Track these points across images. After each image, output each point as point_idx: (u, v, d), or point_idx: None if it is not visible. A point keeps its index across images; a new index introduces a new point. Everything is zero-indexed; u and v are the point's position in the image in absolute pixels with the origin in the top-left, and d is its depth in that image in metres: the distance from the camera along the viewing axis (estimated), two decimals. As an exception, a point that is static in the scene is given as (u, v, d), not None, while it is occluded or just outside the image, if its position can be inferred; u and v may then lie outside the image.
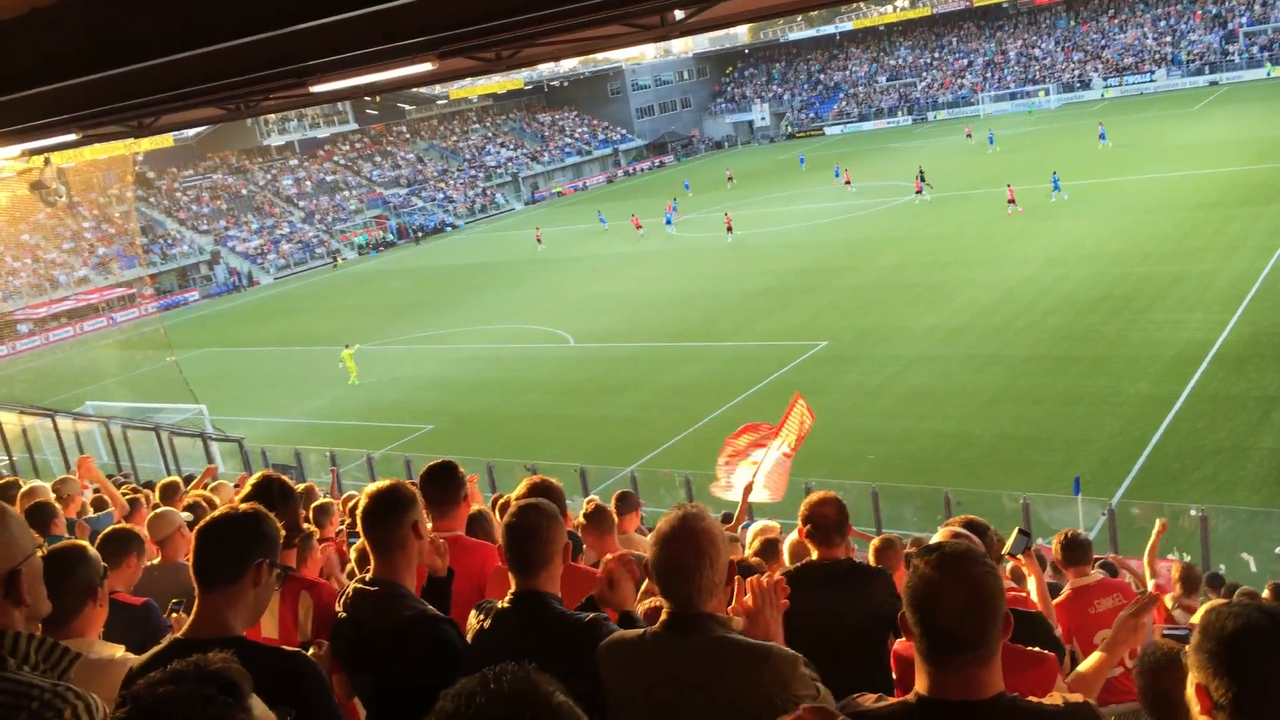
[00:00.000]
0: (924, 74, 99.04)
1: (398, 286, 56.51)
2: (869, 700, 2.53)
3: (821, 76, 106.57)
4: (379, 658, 3.46)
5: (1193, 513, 15.27)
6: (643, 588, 3.91)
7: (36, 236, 69.94)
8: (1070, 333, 27.99)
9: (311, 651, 3.46)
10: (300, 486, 9.57)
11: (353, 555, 5.36)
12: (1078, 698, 2.48)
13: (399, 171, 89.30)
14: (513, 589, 3.41)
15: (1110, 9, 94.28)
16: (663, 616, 2.92)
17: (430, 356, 37.54)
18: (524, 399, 30.64)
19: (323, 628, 4.00)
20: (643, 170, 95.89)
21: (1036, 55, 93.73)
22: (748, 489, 8.16)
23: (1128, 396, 23.04)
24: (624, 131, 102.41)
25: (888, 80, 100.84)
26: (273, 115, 77.11)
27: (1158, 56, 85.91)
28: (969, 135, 69.07)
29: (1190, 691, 2.10)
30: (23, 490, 7.39)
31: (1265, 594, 9.02)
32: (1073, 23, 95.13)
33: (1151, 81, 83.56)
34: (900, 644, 3.74)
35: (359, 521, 3.66)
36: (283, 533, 3.29)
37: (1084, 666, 3.93)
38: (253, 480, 4.31)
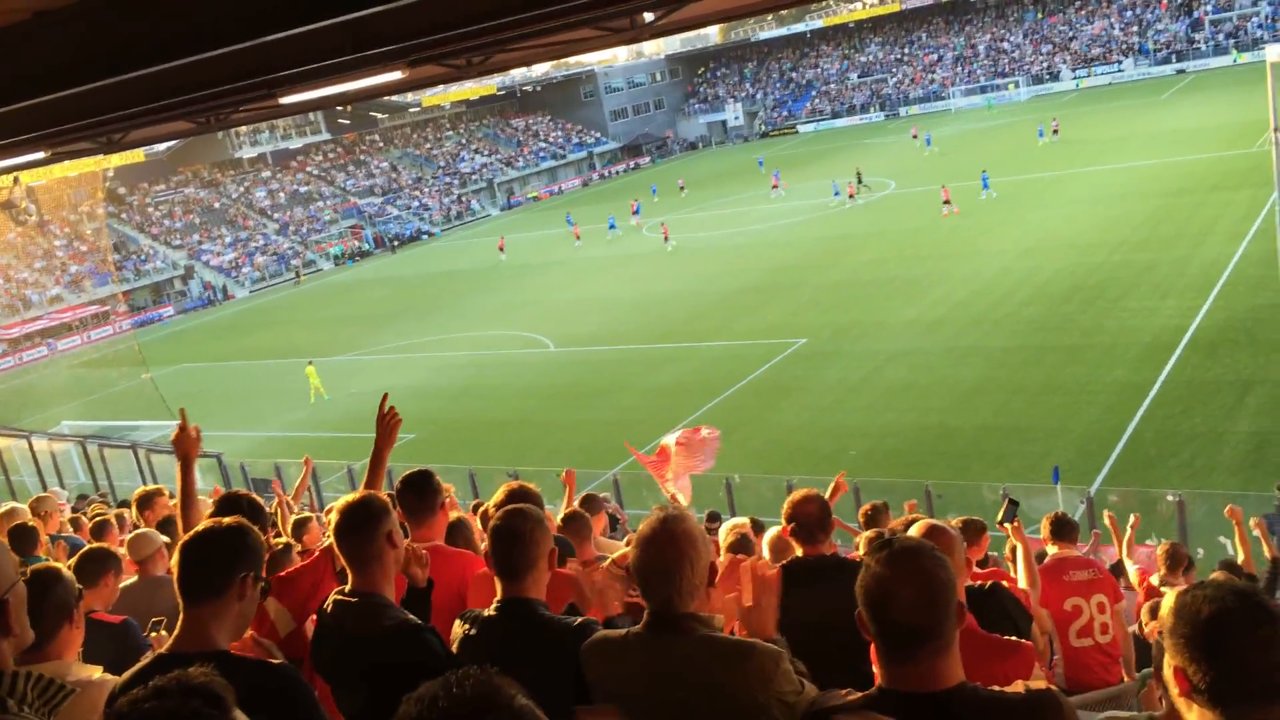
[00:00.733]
0: (895, 70, 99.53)
1: (376, 296, 56.30)
2: (838, 696, 2.56)
3: (793, 75, 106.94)
4: (361, 669, 3.45)
5: (1170, 498, 15.40)
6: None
7: (7, 256, 69.27)
8: (1046, 323, 28.19)
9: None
10: (274, 504, 9.51)
11: None
12: (1040, 684, 2.51)
13: (373, 180, 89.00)
14: (499, 595, 3.41)
15: (1077, 0, 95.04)
16: (645, 617, 2.93)
17: (411, 365, 37.42)
18: (506, 405, 30.60)
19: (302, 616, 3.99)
20: (618, 173, 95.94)
21: (1005, 48, 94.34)
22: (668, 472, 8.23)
23: (1104, 385, 23.22)
24: (598, 134, 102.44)
25: (859, 77, 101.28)
26: (244, 127, 76.68)
27: (1125, 46, 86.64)
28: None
29: (1168, 674, 2.13)
30: (1, 512, 7.32)
31: (1215, 573, 9.13)
32: (1040, 15, 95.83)
33: (1120, 71, 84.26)
34: None
35: (333, 534, 3.64)
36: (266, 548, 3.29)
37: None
38: (219, 499, 4.28)
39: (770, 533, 5.85)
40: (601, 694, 2.93)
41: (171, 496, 6.92)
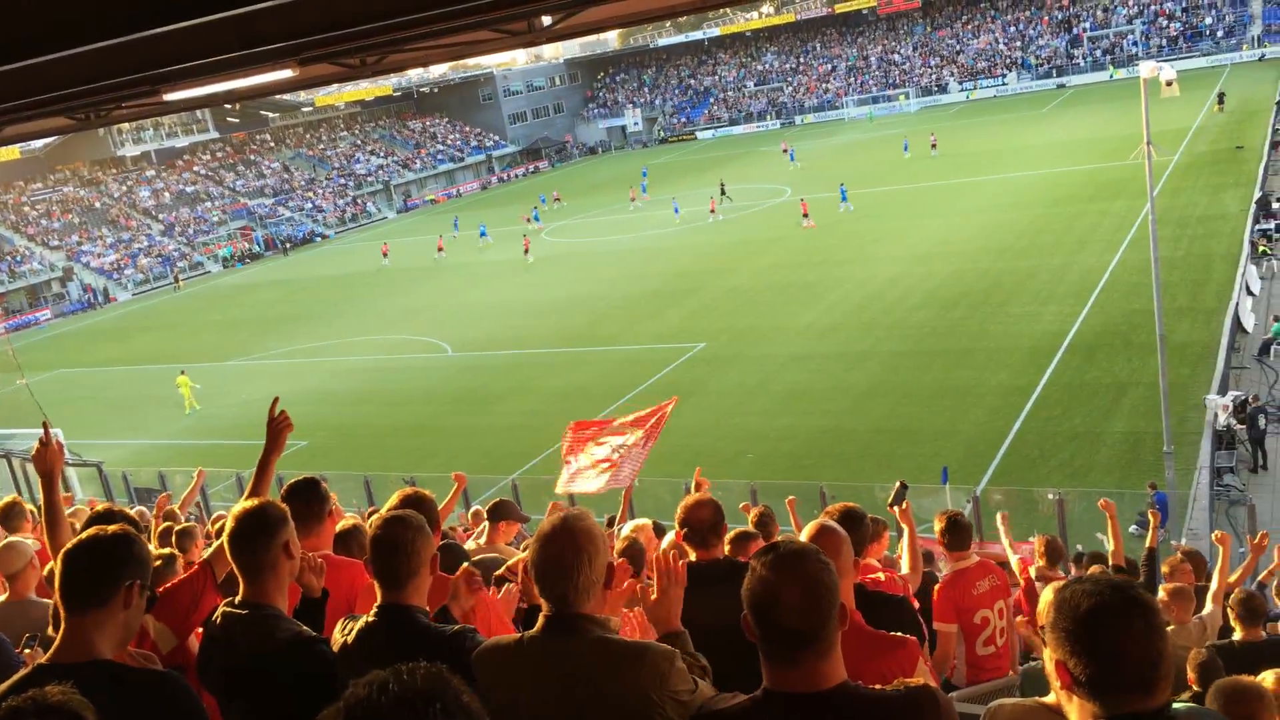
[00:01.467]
0: (790, 79, 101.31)
1: (267, 299, 54.86)
2: (724, 699, 2.60)
3: (692, 81, 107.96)
4: (252, 682, 3.36)
5: (1050, 496, 15.99)
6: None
7: None
8: (936, 328, 29.01)
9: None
10: (167, 511, 9.19)
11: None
12: (918, 681, 2.58)
13: (264, 181, 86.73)
14: (378, 602, 3.37)
15: (963, 15, 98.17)
16: (540, 619, 2.93)
17: (304, 370, 36.55)
18: (403, 410, 30.11)
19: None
20: (517, 176, 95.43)
21: (896, 60, 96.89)
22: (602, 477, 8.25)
23: (990, 387, 24.01)
24: (497, 138, 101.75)
25: (756, 85, 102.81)
26: (127, 124, 73.91)
27: (1009, 61, 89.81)
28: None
29: (1050, 668, 2.19)
30: None
31: (1094, 567, 9.54)
32: (929, 29, 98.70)
33: (1004, 85, 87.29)
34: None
35: (226, 543, 3.54)
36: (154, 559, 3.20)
37: None
38: (92, 516, 4.11)
39: (667, 539, 5.88)
40: (494, 701, 2.92)
41: (35, 518, 6.57)
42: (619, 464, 8.41)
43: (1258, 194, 35.97)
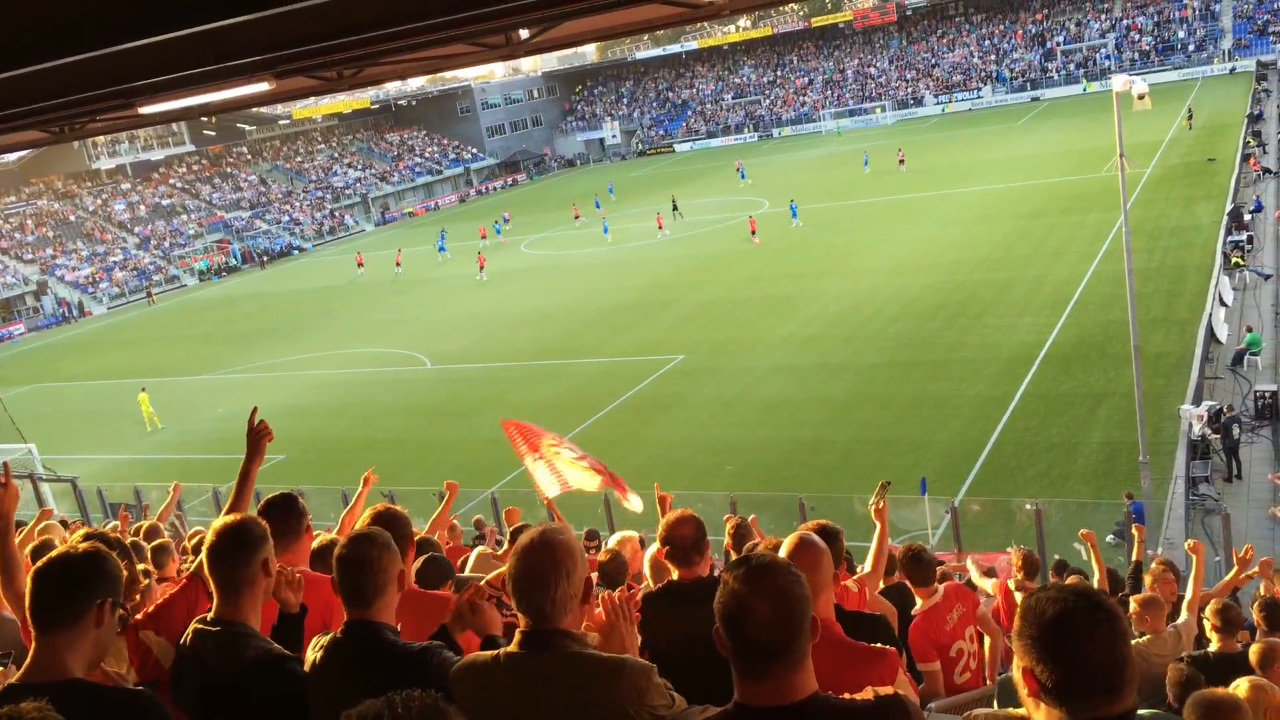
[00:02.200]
0: (768, 92, 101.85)
1: (243, 312, 54.53)
2: (696, 712, 2.60)
3: (670, 94, 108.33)
4: (223, 700, 3.33)
5: (1028, 507, 16.07)
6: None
7: None
8: (913, 339, 29.16)
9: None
10: (136, 527, 9.09)
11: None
12: (888, 691, 2.59)
13: (240, 194, 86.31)
14: (345, 619, 3.35)
15: (939, 29, 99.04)
16: (518, 635, 2.91)
17: (280, 384, 36.33)
18: (381, 424, 29.98)
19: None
20: (496, 189, 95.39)
21: (872, 74, 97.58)
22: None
23: (967, 398, 24.14)
24: (475, 150, 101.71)
25: (734, 98, 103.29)
26: (102, 137, 73.48)
27: (984, 74, 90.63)
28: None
29: (1017, 675, 2.21)
30: None
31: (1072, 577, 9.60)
32: (905, 43, 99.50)
33: (980, 98, 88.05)
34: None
35: (204, 557, 3.52)
36: (125, 574, 3.18)
37: None
38: (77, 538, 4.08)
39: (651, 550, 5.86)
40: (472, 718, 2.90)
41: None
42: (595, 468, 8.52)
43: (1229, 206, 36.39)
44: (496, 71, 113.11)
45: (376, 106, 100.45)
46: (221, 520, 3.57)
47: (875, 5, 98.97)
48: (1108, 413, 21.89)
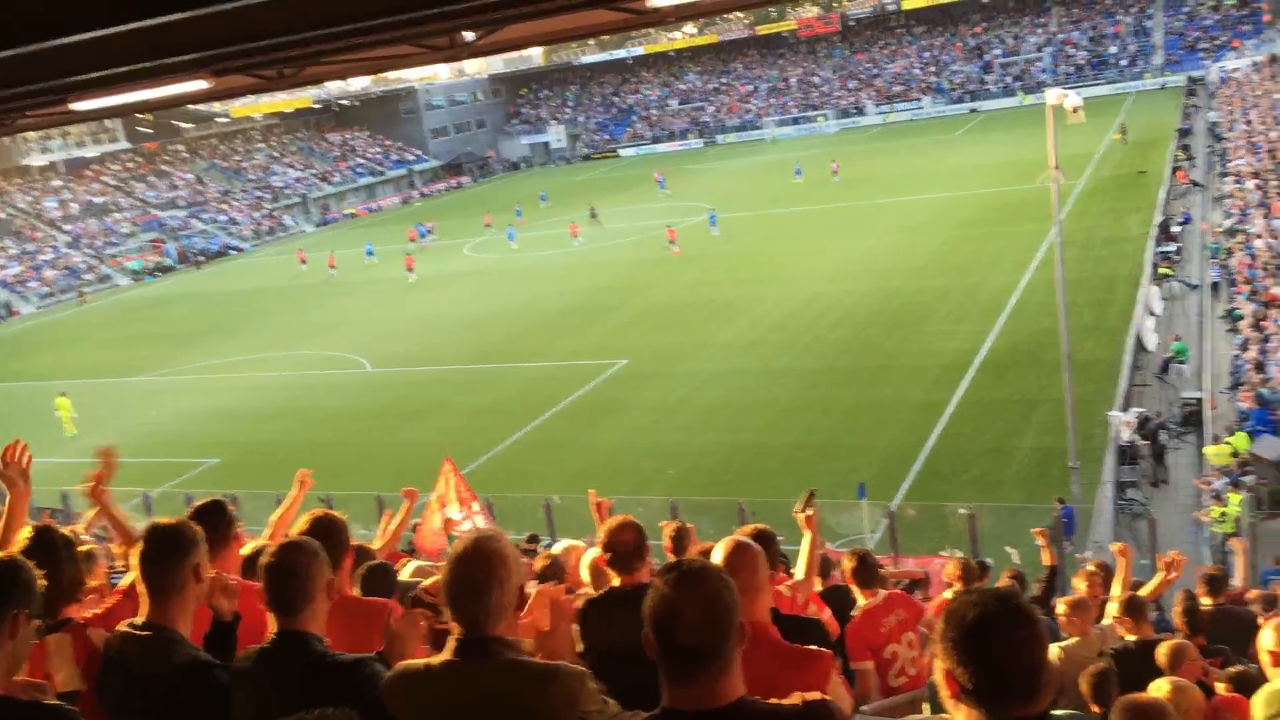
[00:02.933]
0: (712, 98, 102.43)
1: (178, 313, 53.47)
2: (628, 718, 2.62)
3: (615, 99, 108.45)
4: (148, 705, 3.29)
5: (961, 511, 16.36)
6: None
7: None
8: (853, 345, 29.51)
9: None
10: (67, 529, 8.87)
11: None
12: (815, 696, 2.64)
13: (176, 192, 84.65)
14: (274, 629, 3.32)
15: (881, 40, 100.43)
16: (451, 642, 2.91)
17: (216, 386, 35.69)
18: (320, 427, 29.58)
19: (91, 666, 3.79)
20: (439, 191, 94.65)
21: (815, 82, 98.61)
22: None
23: (905, 404, 24.50)
24: (418, 152, 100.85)
25: (679, 104, 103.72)
26: (33, 133, 71.52)
27: (924, 85, 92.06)
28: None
29: (938, 677, 2.26)
30: None
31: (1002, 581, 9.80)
32: (848, 52, 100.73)
33: (920, 109, 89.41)
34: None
35: (136, 561, 3.48)
36: (43, 583, 3.13)
37: None
38: (26, 534, 3.98)
39: (589, 555, 5.87)
40: None
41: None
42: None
43: (1159, 218, 37.39)
44: (441, 73, 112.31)
45: (318, 106, 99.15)
46: (155, 523, 3.53)
47: (819, 15, 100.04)
48: (1040, 419, 22.35)
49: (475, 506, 9.13)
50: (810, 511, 5.34)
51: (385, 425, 28.96)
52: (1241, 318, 24.70)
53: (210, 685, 3.27)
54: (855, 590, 6.68)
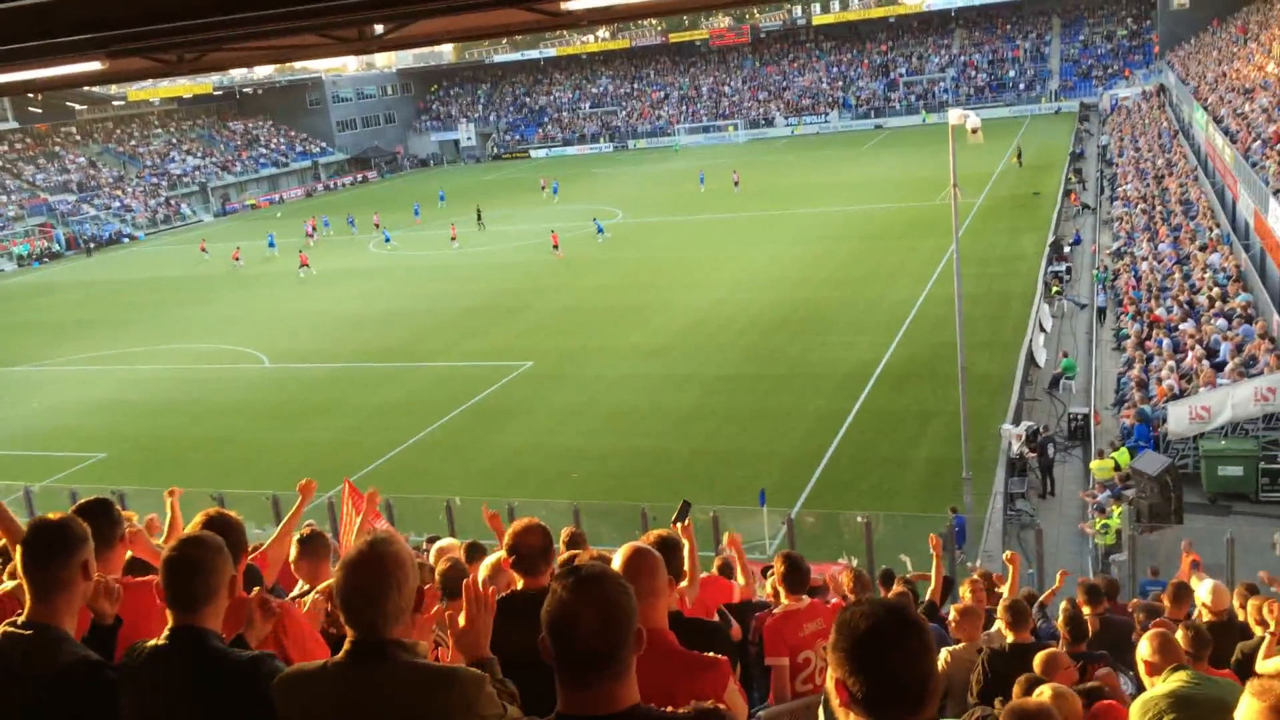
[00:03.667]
0: (624, 103, 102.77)
1: (66, 301, 51.43)
2: None
3: (527, 100, 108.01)
4: (31, 707, 3.15)
5: (859, 519, 16.68)
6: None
7: None
8: (758, 353, 29.88)
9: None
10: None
11: None
12: (709, 705, 2.66)
13: (67, 176, 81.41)
14: (170, 624, 3.21)
15: (790, 53, 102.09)
16: (346, 644, 2.84)
17: (103, 378, 34.39)
18: (212, 423, 28.74)
19: None
20: (345, 185, 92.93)
21: (726, 92, 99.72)
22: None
23: (806, 412, 24.89)
24: (324, 144, 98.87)
25: (590, 107, 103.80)
26: (-89, 106, 68.06)
27: (831, 100, 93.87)
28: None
29: (830, 685, 2.29)
30: None
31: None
32: (758, 64, 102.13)
33: (827, 122, 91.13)
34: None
35: (19, 557, 3.33)
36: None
37: None
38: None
39: (489, 559, 5.80)
40: None
41: None
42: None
43: (1051, 238, 38.77)
44: (349, 65, 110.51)
45: (219, 93, 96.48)
46: (41, 518, 3.39)
47: (730, 26, 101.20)
48: (936, 430, 22.93)
49: (380, 525, 8.93)
50: (686, 522, 5.39)
51: (282, 422, 28.28)
52: (1128, 337, 25.73)
53: (97, 685, 3.15)
54: (782, 593, 6.76)
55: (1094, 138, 66.01)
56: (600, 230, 50.25)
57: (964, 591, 9.04)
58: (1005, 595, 8.20)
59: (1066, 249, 37.73)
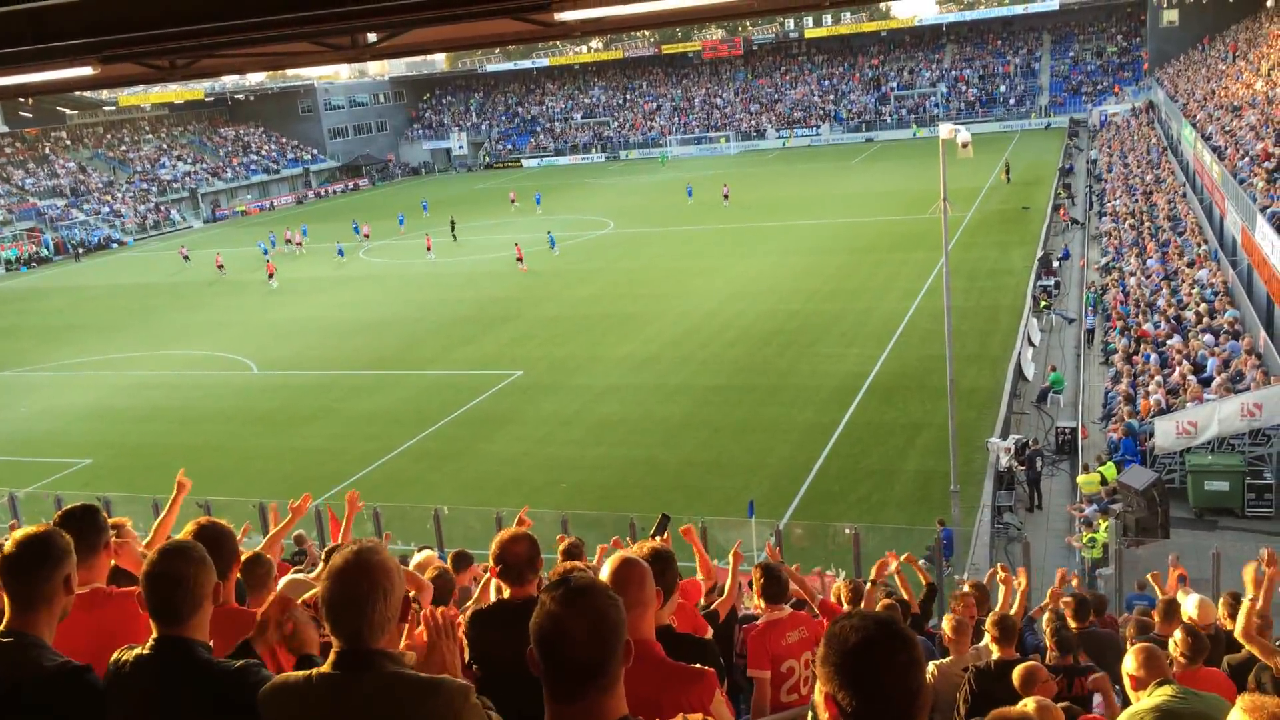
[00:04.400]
0: (616, 114, 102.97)
1: (54, 306, 51.22)
2: None
3: (519, 109, 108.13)
4: (13, 713, 3.13)
5: (847, 531, 16.69)
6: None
7: None
8: (748, 364, 29.90)
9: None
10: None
11: None
12: (697, 718, 2.65)
13: (57, 181, 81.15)
14: (155, 634, 3.20)
15: (783, 66, 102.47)
16: (332, 654, 2.83)
17: (91, 384, 34.24)
18: (201, 429, 28.62)
19: None
20: (336, 192, 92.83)
21: (718, 104, 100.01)
22: None
23: (796, 424, 24.91)
24: (315, 151, 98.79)
25: (583, 117, 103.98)
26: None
27: (823, 112, 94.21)
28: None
29: (819, 699, 2.29)
30: None
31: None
32: (750, 76, 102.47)
33: (818, 135, 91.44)
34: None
35: (2, 568, 3.30)
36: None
37: None
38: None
39: (416, 558, 5.77)
40: None
41: None
42: None
43: (1040, 253, 38.91)
44: (341, 72, 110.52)
45: (211, 99, 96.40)
46: (24, 530, 3.37)
47: (723, 38, 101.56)
48: (924, 442, 22.97)
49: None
50: (665, 536, 5.40)
51: (270, 430, 28.18)
52: (1115, 351, 25.84)
53: (83, 690, 3.13)
54: (761, 604, 6.75)
55: (1083, 153, 66.36)
56: (553, 244, 50.32)
57: (953, 604, 9.04)
58: (998, 609, 8.21)
59: (1055, 263, 37.88)
